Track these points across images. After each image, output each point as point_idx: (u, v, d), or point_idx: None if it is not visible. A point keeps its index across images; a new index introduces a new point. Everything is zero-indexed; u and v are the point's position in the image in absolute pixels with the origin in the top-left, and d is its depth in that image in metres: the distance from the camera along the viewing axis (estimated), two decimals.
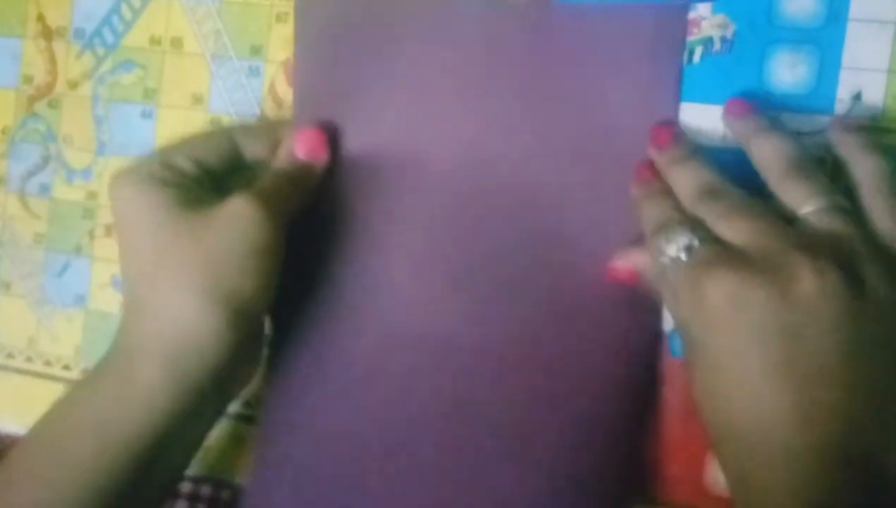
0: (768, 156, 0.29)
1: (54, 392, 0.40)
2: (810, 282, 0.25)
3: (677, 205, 0.30)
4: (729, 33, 0.33)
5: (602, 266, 0.33)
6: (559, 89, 0.34)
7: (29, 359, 0.42)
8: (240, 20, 0.38)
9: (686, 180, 0.30)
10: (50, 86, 0.41)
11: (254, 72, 0.38)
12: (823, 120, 0.32)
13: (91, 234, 0.41)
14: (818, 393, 0.25)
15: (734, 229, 0.28)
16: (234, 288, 0.30)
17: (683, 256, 0.28)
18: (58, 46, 0.41)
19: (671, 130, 0.32)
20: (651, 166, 0.32)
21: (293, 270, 0.34)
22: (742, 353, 0.26)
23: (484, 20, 0.35)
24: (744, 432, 0.26)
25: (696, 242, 0.28)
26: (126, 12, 0.40)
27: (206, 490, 0.39)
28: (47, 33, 0.41)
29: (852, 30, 0.32)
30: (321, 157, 0.35)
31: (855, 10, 0.31)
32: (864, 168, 0.29)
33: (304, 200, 0.35)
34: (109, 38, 0.40)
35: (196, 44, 0.39)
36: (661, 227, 0.29)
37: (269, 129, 0.36)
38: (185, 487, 0.39)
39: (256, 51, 0.38)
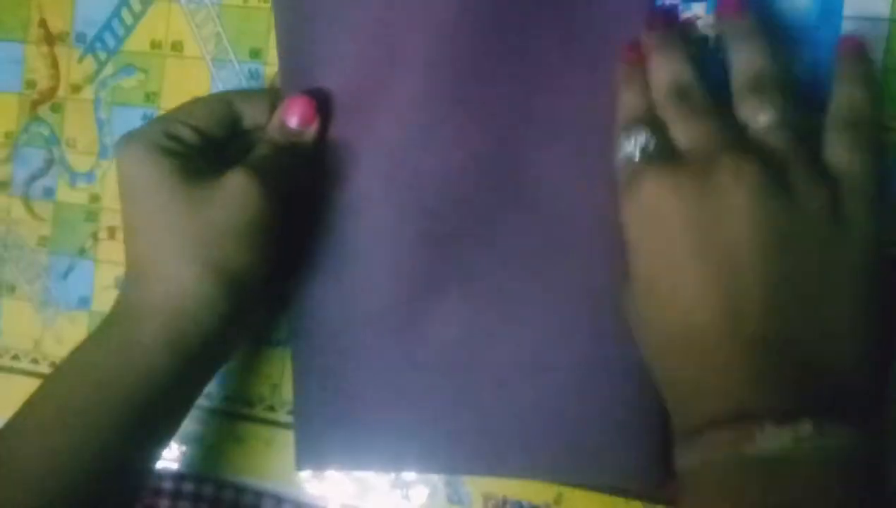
0: (741, 63, 0.30)
1: None
2: (728, 174, 0.27)
3: (649, 102, 0.31)
4: None
5: (584, 194, 0.34)
6: (538, 29, 0.34)
7: (34, 361, 0.42)
8: (239, 23, 0.39)
9: (662, 72, 0.31)
10: (52, 90, 0.42)
11: (254, 74, 0.39)
12: (819, 117, 0.32)
13: (95, 237, 0.41)
14: (739, 283, 0.27)
15: (687, 132, 0.30)
16: (229, 261, 0.32)
17: (637, 156, 0.30)
18: (60, 51, 0.42)
19: (667, 16, 0.33)
20: (636, 48, 0.33)
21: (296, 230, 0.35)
22: (669, 244, 0.28)
23: None
24: (674, 334, 0.28)
25: (651, 144, 0.30)
26: (127, 17, 0.40)
27: (208, 489, 0.39)
28: (49, 38, 0.42)
29: (846, 28, 0.32)
30: (312, 125, 0.35)
31: (848, 8, 0.32)
32: (841, 96, 0.30)
33: (300, 170, 0.35)
34: (111, 42, 0.41)
35: (196, 47, 0.39)
36: (627, 123, 0.31)
37: (268, 96, 0.36)
38: (188, 487, 0.39)
39: (256, 53, 0.39)
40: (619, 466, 0.33)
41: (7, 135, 0.43)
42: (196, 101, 0.35)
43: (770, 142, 0.28)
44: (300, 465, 0.37)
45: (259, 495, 0.39)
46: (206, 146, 0.34)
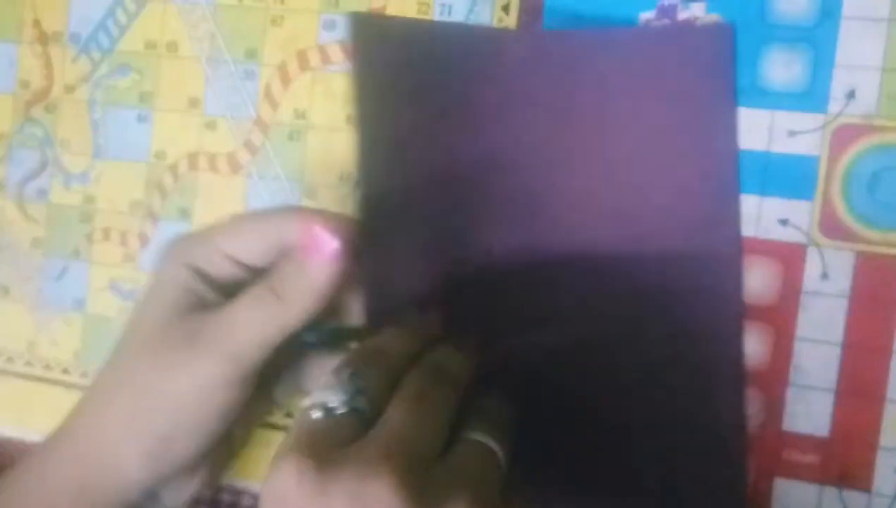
0: None
1: (54, 395, 0.41)
2: None
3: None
4: None
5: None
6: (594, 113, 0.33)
7: (28, 363, 0.42)
8: (234, 23, 0.38)
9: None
10: (46, 90, 0.41)
11: (249, 75, 0.38)
12: (818, 118, 0.32)
13: (89, 238, 0.41)
14: None
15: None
16: (166, 442, 0.30)
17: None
18: (54, 51, 0.41)
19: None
20: None
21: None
22: None
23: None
24: None
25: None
26: (121, 17, 0.40)
27: (226, 497, 0.39)
28: (43, 38, 0.41)
29: (846, 27, 0.31)
30: (334, 254, 0.29)
31: (848, 7, 0.31)
32: None
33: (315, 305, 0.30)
34: (105, 42, 0.40)
35: (191, 47, 0.39)
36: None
37: (260, 235, 0.31)
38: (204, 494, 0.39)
39: (251, 54, 0.38)
40: None
41: (0, 135, 0.42)
42: (253, 228, 0.31)
43: None
44: None
45: (257, 498, 0.39)
46: (240, 278, 0.31)
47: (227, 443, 0.33)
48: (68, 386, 0.41)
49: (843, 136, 0.32)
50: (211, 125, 0.39)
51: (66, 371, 0.41)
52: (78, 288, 0.41)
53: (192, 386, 0.29)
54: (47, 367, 0.42)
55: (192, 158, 0.39)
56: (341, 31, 0.37)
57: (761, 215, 0.33)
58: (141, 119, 0.40)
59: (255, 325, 0.29)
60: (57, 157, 0.41)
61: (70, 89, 0.41)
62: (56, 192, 0.41)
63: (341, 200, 0.37)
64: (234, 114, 0.39)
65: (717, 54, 0.32)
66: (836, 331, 0.32)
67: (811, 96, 0.32)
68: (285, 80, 0.38)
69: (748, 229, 0.33)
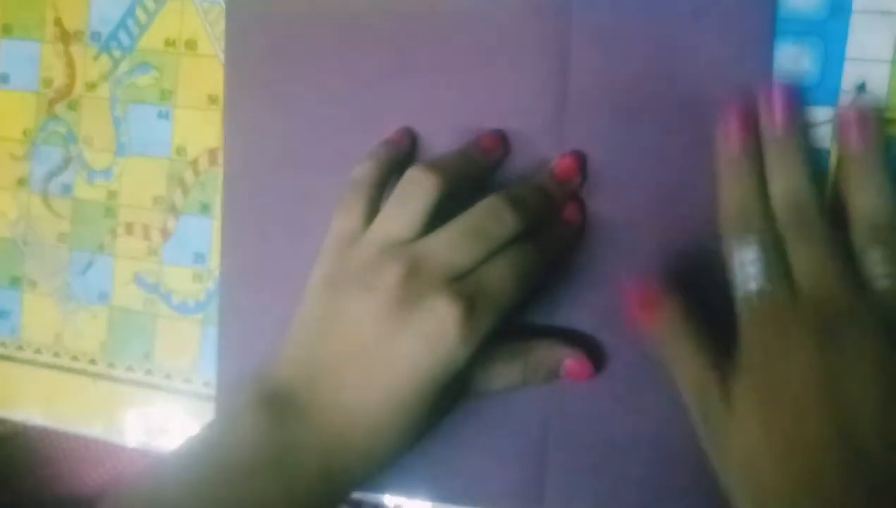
0: (862, 207, 0.30)
1: (81, 386, 0.42)
2: (851, 341, 0.28)
3: (761, 206, 0.31)
4: None
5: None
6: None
7: (56, 355, 0.43)
8: None
9: (783, 181, 0.31)
10: (69, 88, 0.42)
11: None
12: (828, 112, 0.32)
13: (113, 233, 0.42)
14: (863, 435, 0.27)
15: (807, 264, 0.29)
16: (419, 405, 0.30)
17: (754, 287, 0.30)
18: (75, 49, 0.42)
19: (789, 102, 0.31)
20: (744, 128, 0.31)
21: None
22: (786, 387, 0.28)
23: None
24: (797, 482, 0.27)
25: (769, 272, 0.29)
26: (141, 15, 0.41)
27: None
28: (65, 37, 0.42)
29: (856, 21, 0.32)
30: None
31: (858, 1, 0.32)
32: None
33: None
34: (125, 40, 0.41)
35: (210, 45, 0.40)
36: (740, 233, 0.30)
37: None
38: None
39: None
40: None
41: (25, 133, 0.43)
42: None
43: (890, 299, 0.28)
44: None
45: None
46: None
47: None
48: (95, 376, 0.42)
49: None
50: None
51: (92, 361, 0.43)
52: (103, 282, 0.42)
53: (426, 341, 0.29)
54: (74, 358, 0.43)
55: (213, 154, 0.40)
56: None
57: None
58: (162, 116, 0.41)
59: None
60: (80, 154, 0.42)
61: (92, 87, 0.42)
62: (80, 188, 0.42)
63: None
64: None
65: None
66: None
67: (821, 89, 0.32)
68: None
69: None
